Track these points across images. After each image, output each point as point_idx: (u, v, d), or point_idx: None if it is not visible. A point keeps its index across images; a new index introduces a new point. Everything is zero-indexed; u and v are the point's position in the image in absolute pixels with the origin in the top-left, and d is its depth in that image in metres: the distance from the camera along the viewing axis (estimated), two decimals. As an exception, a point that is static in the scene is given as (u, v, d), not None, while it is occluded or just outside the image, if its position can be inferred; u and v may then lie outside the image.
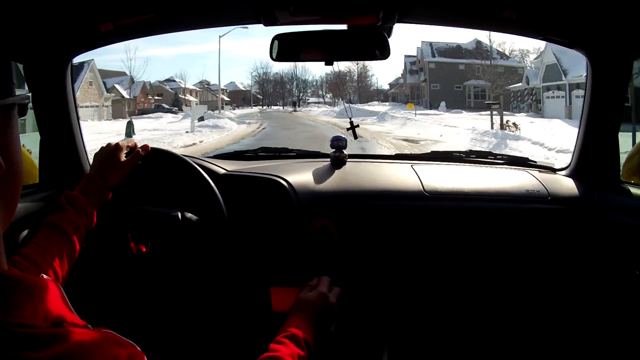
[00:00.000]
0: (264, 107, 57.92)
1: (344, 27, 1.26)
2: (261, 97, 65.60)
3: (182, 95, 54.37)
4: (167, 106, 42.12)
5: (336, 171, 1.45)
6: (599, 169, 1.35)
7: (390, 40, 1.22)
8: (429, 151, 1.73)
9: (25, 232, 1.07)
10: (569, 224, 1.30)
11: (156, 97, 48.48)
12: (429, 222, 1.29)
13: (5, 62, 0.43)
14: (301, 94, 64.92)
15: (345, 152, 1.52)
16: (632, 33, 1.16)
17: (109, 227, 1.03)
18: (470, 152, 1.67)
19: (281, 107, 58.97)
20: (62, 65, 1.26)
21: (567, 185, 1.38)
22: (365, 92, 60.09)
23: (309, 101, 63.68)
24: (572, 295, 1.34)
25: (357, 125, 1.64)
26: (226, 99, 63.34)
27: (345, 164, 1.50)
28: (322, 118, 27.96)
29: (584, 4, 1.10)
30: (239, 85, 68.47)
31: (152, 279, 1.13)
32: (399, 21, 1.19)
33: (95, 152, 1.05)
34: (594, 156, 1.36)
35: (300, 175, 1.35)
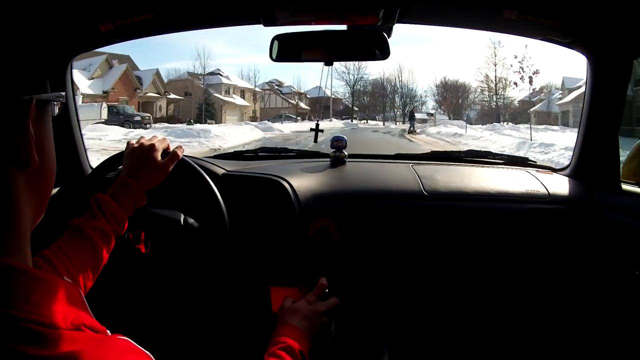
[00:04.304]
0: (354, 121, 40.12)
1: (343, 27, 1.26)
2: (354, 109, 48.08)
3: (224, 95, 38.32)
4: (129, 111, 24.57)
5: (336, 171, 1.45)
6: (599, 169, 1.35)
7: (390, 40, 1.22)
8: (429, 151, 1.73)
9: None
10: (569, 224, 1.30)
11: (171, 97, 34.23)
12: (428, 222, 1.29)
13: (42, 60, 0.44)
14: (407, 108, 46.86)
15: (345, 152, 1.53)
16: (632, 33, 1.16)
17: None
18: (469, 152, 1.67)
19: (380, 123, 40.92)
20: (62, 65, 1.26)
21: (567, 185, 1.38)
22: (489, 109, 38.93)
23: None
24: (572, 295, 1.34)
25: (322, 131, 1.58)
26: (303, 106, 47.76)
27: (344, 164, 1.50)
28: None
29: (584, 4, 1.10)
30: (327, 91, 48.15)
31: (151, 280, 1.12)
32: (399, 21, 1.19)
33: (125, 152, 0.96)
34: (594, 156, 1.36)
35: (300, 175, 1.35)
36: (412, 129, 25.41)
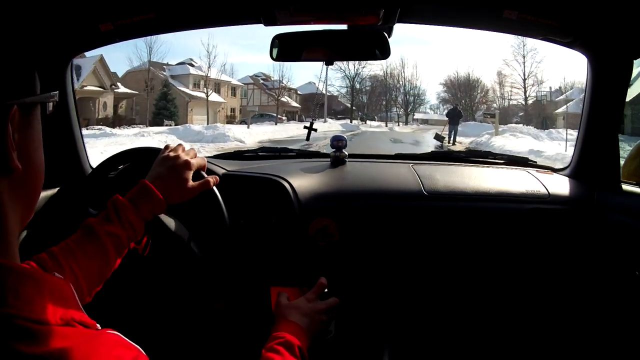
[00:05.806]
0: (354, 121, 34.77)
1: (344, 27, 1.26)
2: (353, 107, 42.36)
3: (192, 89, 30.75)
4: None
5: (336, 171, 1.45)
6: (599, 169, 1.35)
7: (390, 40, 1.22)
8: (429, 151, 1.74)
9: (25, 233, 1.06)
10: (569, 224, 1.30)
11: (121, 91, 26.01)
12: (428, 222, 1.29)
13: (26, 61, 0.44)
14: (410, 108, 42.91)
15: (345, 151, 1.53)
16: (632, 33, 1.16)
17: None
18: (469, 152, 1.67)
19: (382, 124, 35.99)
20: (62, 65, 1.26)
21: (567, 185, 1.38)
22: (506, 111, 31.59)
23: (414, 117, 41.08)
24: (572, 295, 1.34)
25: (316, 130, 1.61)
26: (293, 104, 40.52)
27: (345, 163, 1.50)
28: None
29: (584, 4, 1.10)
30: (321, 86, 39.81)
31: (146, 281, 1.11)
32: (399, 21, 1.19)
33: (158, 156, 0.88)
34: (594, 156, 1.36)
35: (301, 175, 1.35)
36: (454, 137, 15.96)
